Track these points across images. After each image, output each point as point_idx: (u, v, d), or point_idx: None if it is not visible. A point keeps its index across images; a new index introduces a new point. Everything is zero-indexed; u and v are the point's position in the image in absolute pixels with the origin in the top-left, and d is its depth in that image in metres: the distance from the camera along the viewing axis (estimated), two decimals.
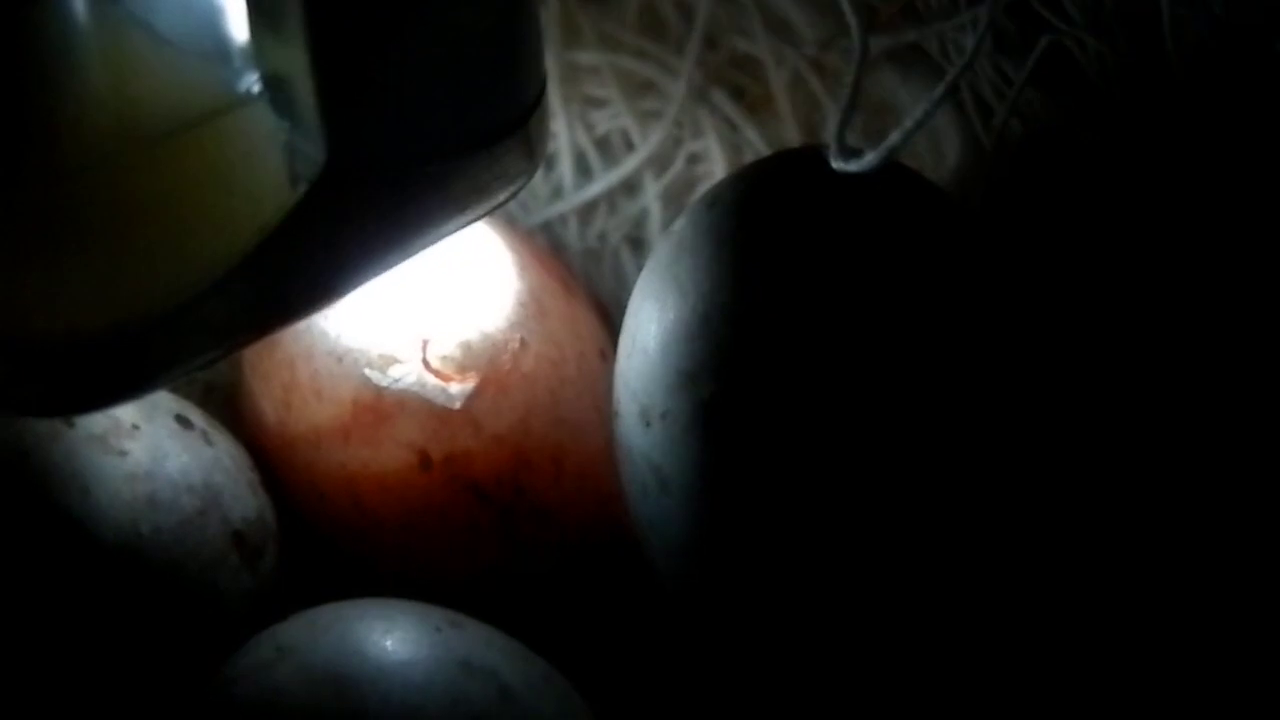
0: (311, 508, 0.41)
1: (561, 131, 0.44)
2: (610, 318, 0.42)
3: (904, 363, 0.35)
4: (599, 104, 0.44)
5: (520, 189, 0.35)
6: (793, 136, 0.42)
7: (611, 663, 0.41)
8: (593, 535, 0.41)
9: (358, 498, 0.40)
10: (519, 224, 0.44)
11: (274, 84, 0.31)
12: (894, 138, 0.34)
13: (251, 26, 0.30)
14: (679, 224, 0.38)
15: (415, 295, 0.39)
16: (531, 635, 0.38)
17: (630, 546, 0.39)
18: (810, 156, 0.37)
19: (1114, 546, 0.38)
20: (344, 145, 0.31)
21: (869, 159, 0.35)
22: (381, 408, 0.39)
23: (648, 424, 0.37)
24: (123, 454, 0.37)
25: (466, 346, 0.39)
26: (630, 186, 0.44)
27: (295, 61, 0.30)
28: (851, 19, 0.37)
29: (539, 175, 0.44)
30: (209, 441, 0.39)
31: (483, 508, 0.39)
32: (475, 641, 0.37)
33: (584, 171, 0.44)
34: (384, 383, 0.39)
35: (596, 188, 0.43)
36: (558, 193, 0.44)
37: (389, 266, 0.34)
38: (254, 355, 0.41)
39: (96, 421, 0.37)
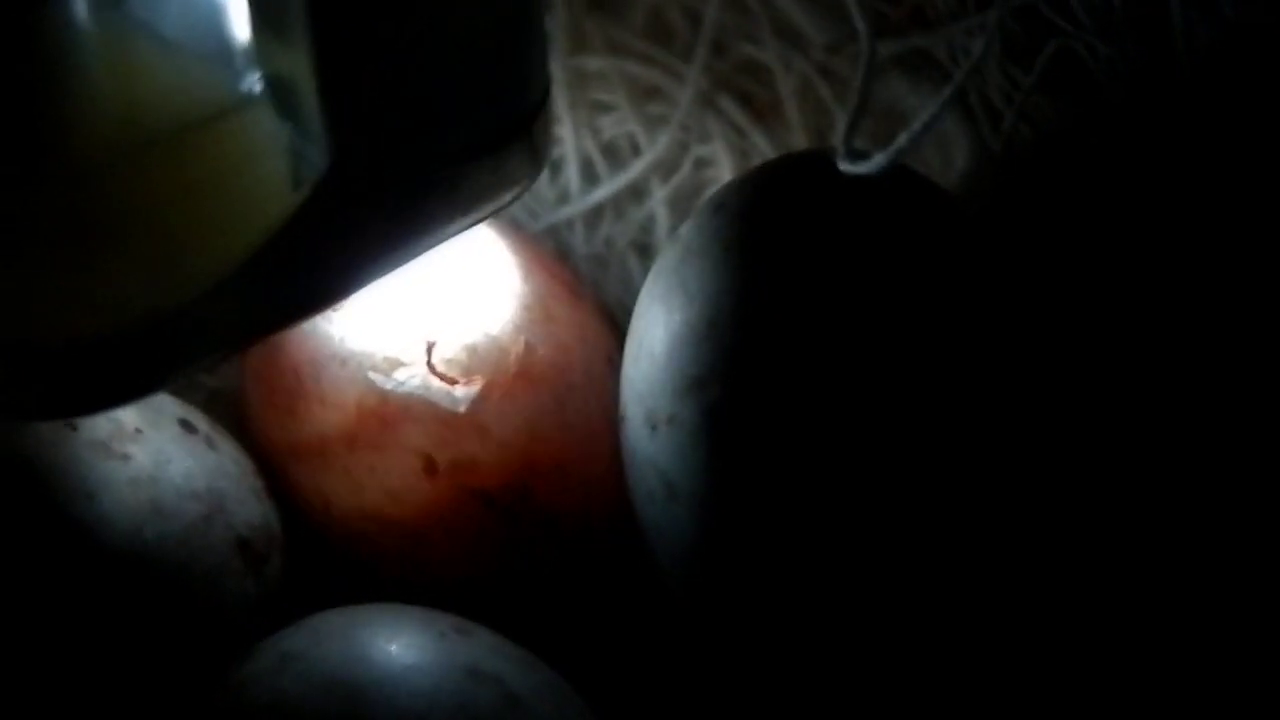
0: (317, 513, 0.40)
1: (568, 137, 0.43)
2: (617, 323, 0.42)
3: (912, 367, 0.35)
4: (606, 109, 0.44)
5: (524, 192, 0.35)
6: (800, 142, 0.42)
7: (618, 670, 0.40)
8: (599, 541, 0.41)
9: (363, 503, 0.39)
10: (525, 229, 0.43)
11: (277, 86, 0.31)
12: (901, 140, 0.34)
13: (254, 28, 0.30)
14: (685, 228, 0.37)
15: (420, 299, 0.39)
16: (538, 642, 0.38)
17: (637, 553, 0.39)
18: (817, 160, 0.37)
19: (1119, 550, 0.37)
20: (347, 148, 0.31)
21: (876, 161, 0.35)
22: (386, 412, 0.39)
23: (654, 429, 0.37)
24: (126, 459, 0.37)
25: (472, 350, 0.39)
26: (637, 192, 0.44)
27: (298, 63, 0.30)
28: (859, 24, 0.36)
29: (545, 180, 0.44)
30: (213, 446, 0.39)
31: (488, 513, 0.39)
32: (482, 648, 0.37)
33: (590, 177, 0.44)
34: (389, 386, 0.39)
35: (603, 193, 0.43)
36: (564, 198, 0.44)
37: (392, 269, 0.34)
38: (258, 360, 0.41)
39: (99, 426, 0.37)
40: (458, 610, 0.38)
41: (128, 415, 0.38)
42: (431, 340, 0.39)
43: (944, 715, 0.38)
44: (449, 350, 0.39)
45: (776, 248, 0.36)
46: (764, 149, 0.42)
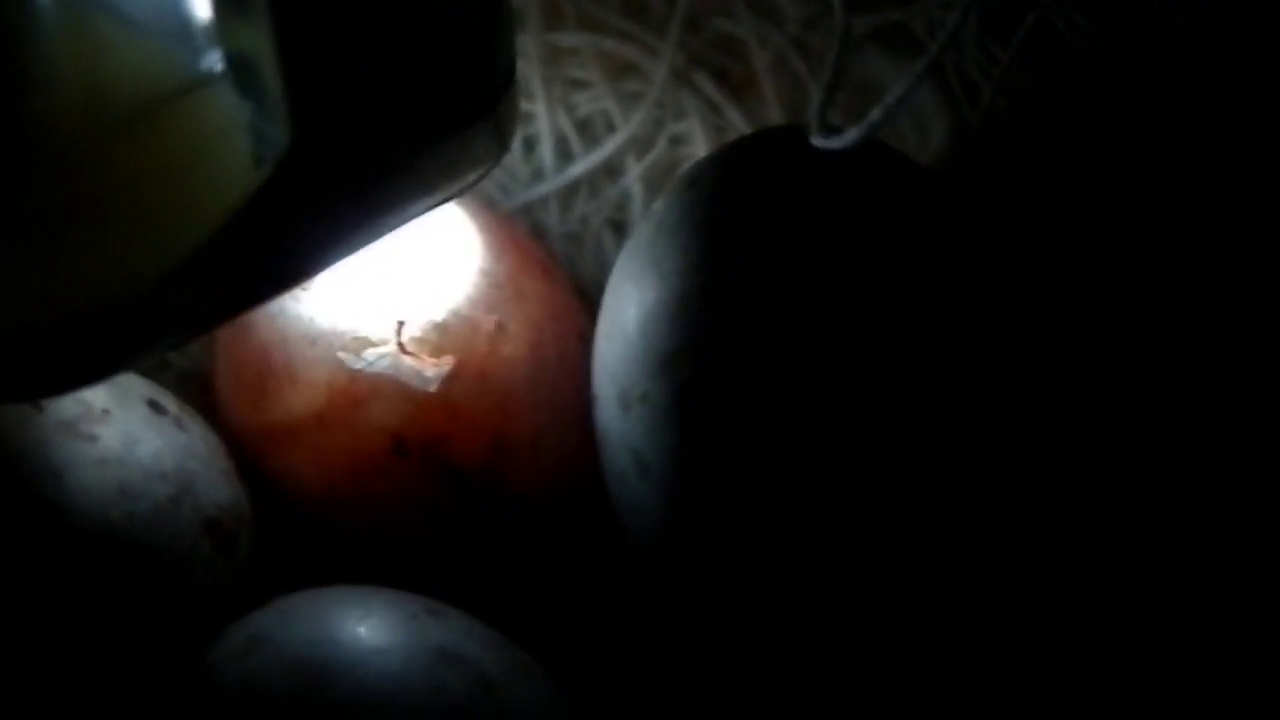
0: (287, 494, 0.40)
1: (542, 114, 0.43)
2: (591, 301, 0.41)
3: (885, 344, 0.35)
4: (581, 86, 0.43)
5: (489, 172, 0.35)
6: (776, 118, 0.42)
7: (590, 649, 0.40)
8: (571, 520, 0.40)
9: (333, 483, 0.39)
10: (499, 206, 0.43)
11: (238, 64, 0.30)
12: (875, 115, 0.34)
13: (215, 5, 0.30)
14: (658, 205, 0.37)
15: (390, 278, 0.39)
16: (510, 621, 0.38)
17: (610, 532, 0.39)
18: (791, 135, 0.36)
19: (1094, 521, 0.37)
20: (308, 126, 0.30)
21: (849, 136, 0.34)
22: (356, 392, 0.38)
23: (627, 407, 0.36)
24: (93, 439, 0.37)
25: (442, 329, 0.39)
26: (612, 169, 0.43)
27: (260, 41, 0.30)
28: None
29: (519, 157, 0.43)
30: (182, 427, 0.39)
31: (460, 492, 0.39)
32: (453, 630, 0.37)
33: (565, 154, 0.43)
34: (358, 365, 0.38)
35: (577, 170, 0.43)
36: (538, 175, 0.43)
37: (357, 248, 0.34)
38: (228, 340, 0.41)
39: (67, 407, 0.37)
40: (429, 590, 0.38)
41: (96, 396, 0.37)
42: (401, 319, 0.39)
43: (916, 693, 0.38)
44: (419, 329, 0.39)
45: (749, 224, 0.35)
46: (739, 125, 0.42)
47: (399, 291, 0.39)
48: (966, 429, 0.35)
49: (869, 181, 0.36)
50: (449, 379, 0.38)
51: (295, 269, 0.33)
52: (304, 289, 0.38)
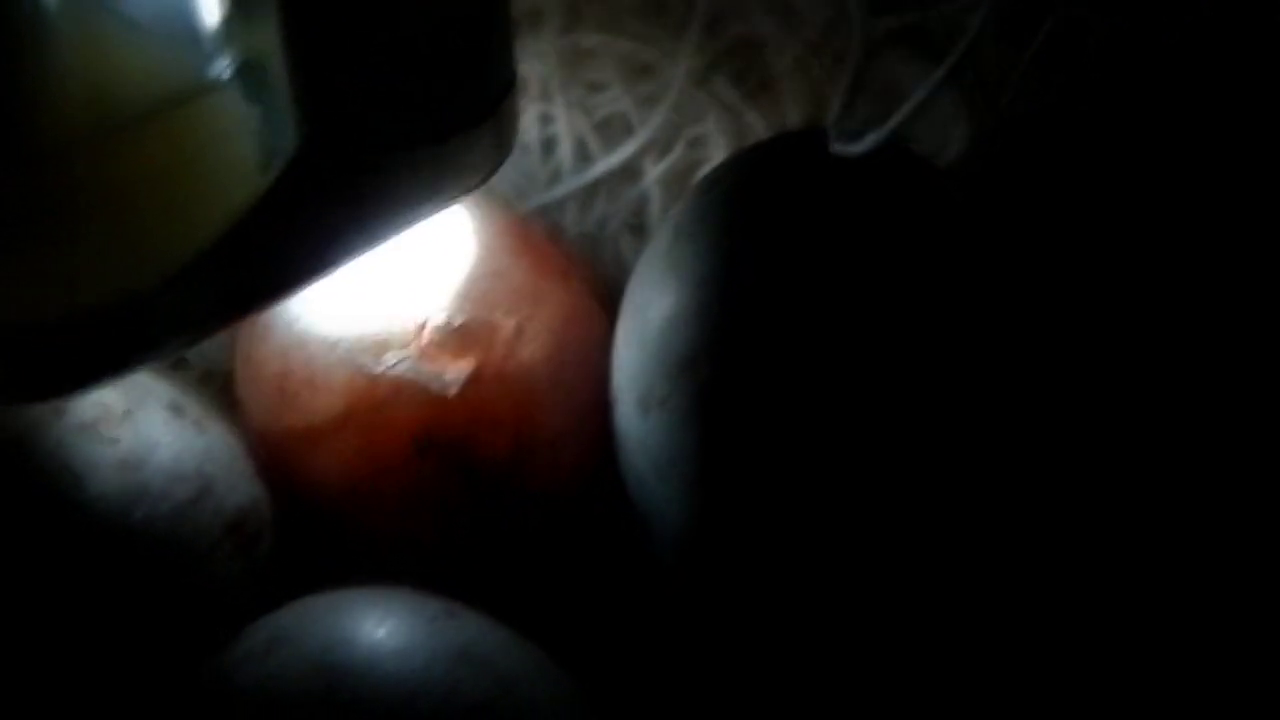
0: (308, 496, 0.40)
1: (561, 116, 0.43)
2: (609, 303, 0.41)
3: (903, 347, 0.35)
4: (599, 88, 0.43)
5: (491, 175, 0.35)
6: (794, 120, 0.42)
7: (608, 648, 0.40)
8: (590, 522, 0.40)
9: (354, 485, 0.39)
10: (517, 208, 0.43)
11: (246, 69, 0.30)
12: (893, 120, 0.34)
13: (224, 10, 0.30)
14: (677, 210, 0.37)
15: (409, 281, 0.39)
16: (528, 621, 0.38)
17: (628, 533, 0.39)
18: (809, 139, 0.36)
19: (1107, 535, 0.37)
20: (315, 131, 0.31)
21: (868, 142, 0.34)
22: (376, 394, 0.38)
23: (646, 411, 0.37)
24: (114, 442, 0.37)
25: (462, 332, 0.39)
26: (630, 172, 0.43)
27: (268, 46, 0.30)
28: (852, 2, 0.36)
29: (537, 160, 0.43)
30: (202, 430, 0.39)
31: (479, 494, 0.39)
32: (472, 631, 0.37)
33: (584, 156, 0.43)
34: (378, 369, 0.38)
35: (595, 172, 0.43)
36: (557, 177, 0.43)
37: (361, 251, 0.34)
38: (247, 343, 0.41)
39: (87, 409, 0.37)
40: (447, 589, 0.38)
41: (116, 399, 0.38)
42: (421, 322, 0.39)
43: (935, 694, 0.38)
44: (439, 332, 0.39)
45: (768, 229, 0.36)
46: (758, 128, 0.42)
47: (418, 294, 0.39)
48: (985, 428, 0.35)
49: (888, 186, 0.36)
50: (469, 381, 0.38)
51: (299, 273, 0.34)
52: (322, 292, 0.38)
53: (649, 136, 0.43)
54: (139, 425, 0.38)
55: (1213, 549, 0.37)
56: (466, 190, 0.35)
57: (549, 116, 0.43)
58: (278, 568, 0.40)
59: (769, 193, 0.36)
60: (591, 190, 0.43)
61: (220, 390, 0.42)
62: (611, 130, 0.43)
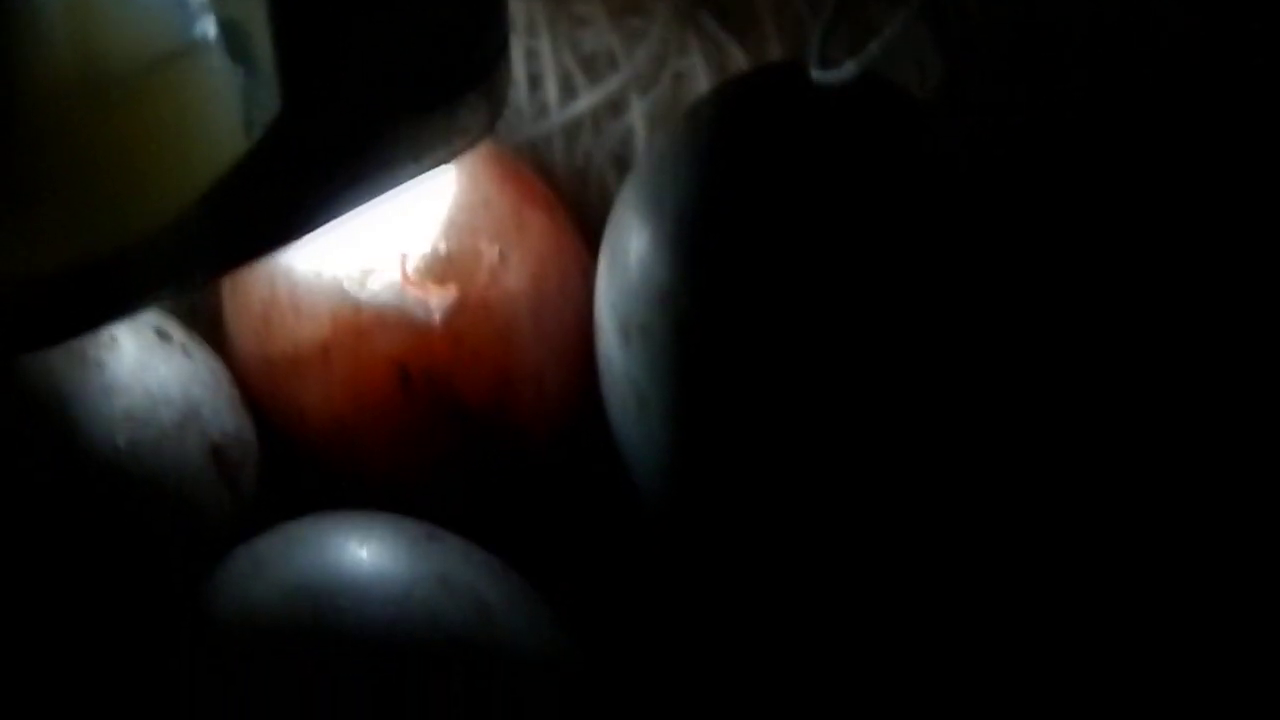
0: (292, 426, 0.40)
1: (546, 51, 0.43)
2: (595, 238, 0.42)
3: (882, 280, 0.35)
4: (585, 23, 0.43)
5: (480, 140, 0.35)
6: (778, 56, 0.42)
7: (590, 581, 0.41)
8: (574, 453, 0.41)
9: (337, 414, 0.39)
10: (503, 141, 0.43)
11: (230, 30, 0.30)
12: (872, 48, 0.34)
13: None
14: (659, 139, 0.37)
15: (394, 209, 0.39)
16: (511, 553, 0.38)
17: (611, 464, 0.39)
18: (790, 70, 0.36)
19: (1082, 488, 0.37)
20: (299, 93, 0.31)
21: (847, 69, 0.35)
22: (360, 323, 0.39)
23: (627, 339, 0.37)
24: (100, 366, 0.37)
25: (446, 260, 0.39)
26: (615, 106, 0.43)
27: (252, 8, 0.30)
28: None
29: (524, 94, 0.44)
30: (188, 354, 0.39)
31: (463, 425, 0.39)
32: (454, 556, 0.37)
33: (569, 90, 0.44)
34: (363, 296, 0.39)
35: (580, 107, 0.43)
36: (543, 112, 0.44)
37: (347, 211, 0.34)
38: (233, 274, 0.41)
39: None
40: (432, 520, 0.38)
41: None
42: (405, 251, 0.39)
43: (913, 633, 0.38)
44: (423, 260, 0.39)
45: (748, 158, 0.36)
46: (742, 63, 0.42)
47: (402, 222, 0.39)
48: (961, 363, 0.36)
49: (868, 116, 0.36)
50: (452, 310, 0.39)
51: (287, 229, 0.34)
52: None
53: (633, 72, 0.43)
54: (125, 350, 0.38)
55: (1210, 547, 0.37)
56: (455, 155, 0.35)
57: (534, 51, 0.43)
58: (263, 501, 0.40)
59: (747, 124, 0.36)
60: (577, 125, 0.44)
61: (209, 321, 0.43)
62: (597, 65, 0.44)
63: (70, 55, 0.30)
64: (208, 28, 0.30)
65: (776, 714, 0.39)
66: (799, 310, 0.35)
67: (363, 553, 0.36)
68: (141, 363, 0.38)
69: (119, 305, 0.33)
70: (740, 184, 0.36)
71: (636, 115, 0.43)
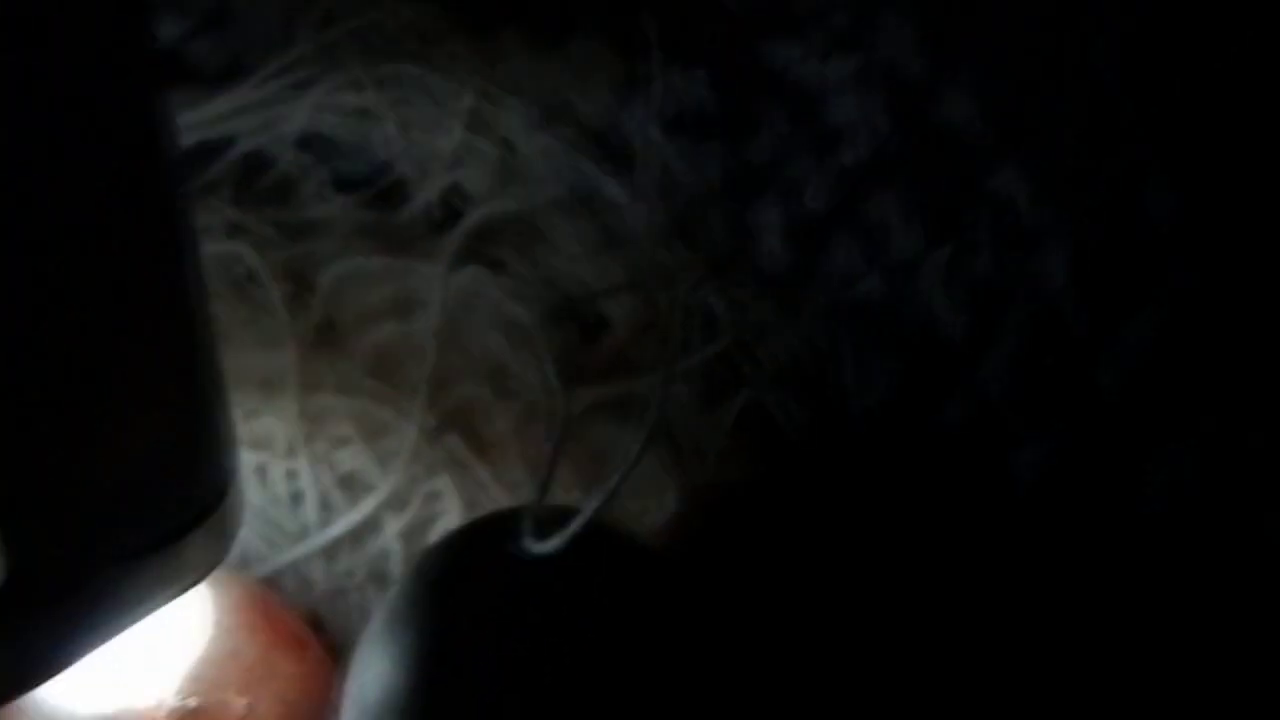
0: None
1: (305, 471, 0.45)
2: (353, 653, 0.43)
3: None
4: (342, 443, 0.45)
5: (209, 574, 0.36)
6: (521, 476, 0.43)
7: None
8: None
9: None
10: (264, 563, 0.44)
11: None
12: (580, 518, 0.36)
13: None
14: (391, 593, 0.39)
15: (151, 660, 0.40)
16: None
17: None
18: (506, 526, 0.38)
19: None
20: (22, 554, 0.32)
21: (555, 543, 0.36)
22: None
23: None
24: None
25: (196, 713, 0.40)
26: (373, 524, 0.45)
27: None
28: (553, 381, 0.38)
29: (285, 514, 0.45)
30: None
31: None
32: None
33: (328, 508, 0.45)
34: None
35: (337, 529, 0.44)
36: (304, 531, 0.45)
37: (83, 655, 0.35)
38: None
39: None
40: None
41: None
42: (157, 702, 0.40)
43: None
44: (172, 715, 0.40)
45: (470, 616, 0.37)
46: (488, 483, 0.43)
47: (157, 674, 0.40)
48: None
49: (586, 567, 0.37)
50: None
51: (20, 678, 0.34)
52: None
53: (388, 492, 0.44)
54: None
55: None
56: (187, 588, 0.36)
57: (294, 472, 0.45)
58: None
59: (467, 578, 0.37)
60: (337, 543, 0.45)
61: None
62: (354, 483, 0.45)
63: None
64: None
65: None
66: None
67: None
68: None
69: None
70: (464, 641, 0.37)
71: (391, 535, 0.44)
